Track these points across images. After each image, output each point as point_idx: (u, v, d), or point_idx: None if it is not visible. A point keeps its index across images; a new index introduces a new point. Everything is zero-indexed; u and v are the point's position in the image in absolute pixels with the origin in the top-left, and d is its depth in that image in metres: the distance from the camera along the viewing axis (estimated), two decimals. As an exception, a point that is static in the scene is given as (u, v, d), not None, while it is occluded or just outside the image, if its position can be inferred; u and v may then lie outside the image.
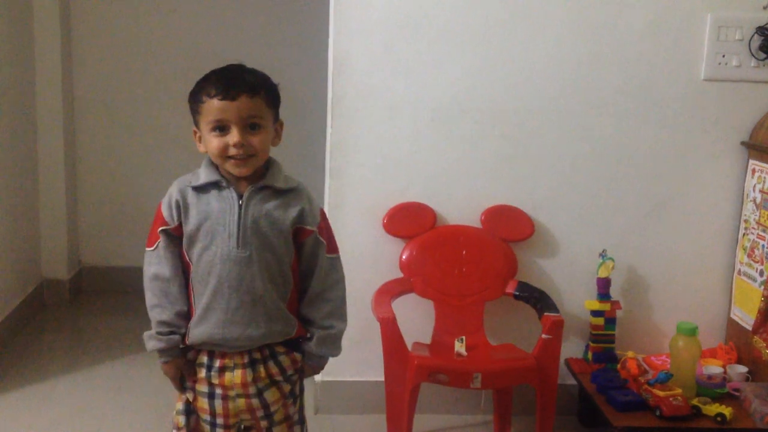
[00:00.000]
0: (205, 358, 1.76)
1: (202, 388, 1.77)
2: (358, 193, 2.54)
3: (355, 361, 2.59)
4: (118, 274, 3.76)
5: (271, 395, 1.76)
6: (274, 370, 1.76)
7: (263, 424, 1.79)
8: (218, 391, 1.76)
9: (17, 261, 3.32)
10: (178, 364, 1.77)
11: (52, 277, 3.61)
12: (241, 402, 1.76)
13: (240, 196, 1.70)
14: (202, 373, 1.76)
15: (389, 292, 2.46)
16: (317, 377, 2.61)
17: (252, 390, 1.75)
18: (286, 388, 1.79)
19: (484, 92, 2.52)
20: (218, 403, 1.76)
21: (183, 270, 1.75)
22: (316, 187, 2.60)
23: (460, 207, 2.56)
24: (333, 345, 1.80)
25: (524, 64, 2.51)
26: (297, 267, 1.77)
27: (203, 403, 1.77)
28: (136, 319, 3.41)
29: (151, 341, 1.76)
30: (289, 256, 1.74)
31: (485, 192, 2.57)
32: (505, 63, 2.51)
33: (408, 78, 2.50)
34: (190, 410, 1.79)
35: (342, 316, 1.81)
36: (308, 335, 1.78)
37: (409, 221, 2.54)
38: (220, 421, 1.78)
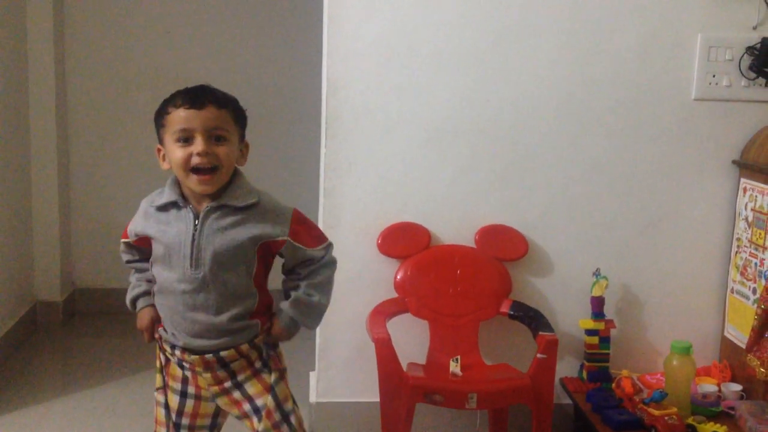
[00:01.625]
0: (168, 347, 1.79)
1: (175, 384, 1.79)
2: (352, 213, 2.55)
3: (350, 381, 2.58)
4: (112, 295, 3.74)
5: (252, 387, 1.77)
6: (254, 355, 1.77)
7: (254, 420, 1.78)
8: (191, 390, 1.78)
9: (10, 283, 3.31)
10: (153, 313, 1.81)
11: (46, 299, 3.60)
12: (223, 401, 1.77)
13: (196, 216, 1.70)
14: (175, 367, 1.79)
15: (384, 312, 2.45)
16: (312, 398, 2.60)
17: (228, 384, 1.76)
18: (267, 378, 1.78)
19: (478, 113, 2.54)
20: (189, 403, 1.79)
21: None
22: (310, 207, 2.62)
23: (454, 227, 2.57)
24: (308, 312, 1.79)
25: (517, 85, 2.53)
26: (263, 278, 1.78)
27: (173, 400, 1.80)
28: (129, 340, 3.43)
29: (135, 290, 1.85)
30: (249, 271, 1.73)
31: (479, 212, 2.57)
32: (498, 84, 2.53)
33: (401, 99, 2.51)
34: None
35: (325, 292, 1.80)
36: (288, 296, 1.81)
37: (403, 241, 2.54)
38: (185, 421, 1.80)
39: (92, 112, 3.73)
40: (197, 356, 1.74)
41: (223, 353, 1.74)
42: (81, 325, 3.67)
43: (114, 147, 3.76)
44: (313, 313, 1.80)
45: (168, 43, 3.73)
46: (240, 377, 1.77)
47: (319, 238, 1.80)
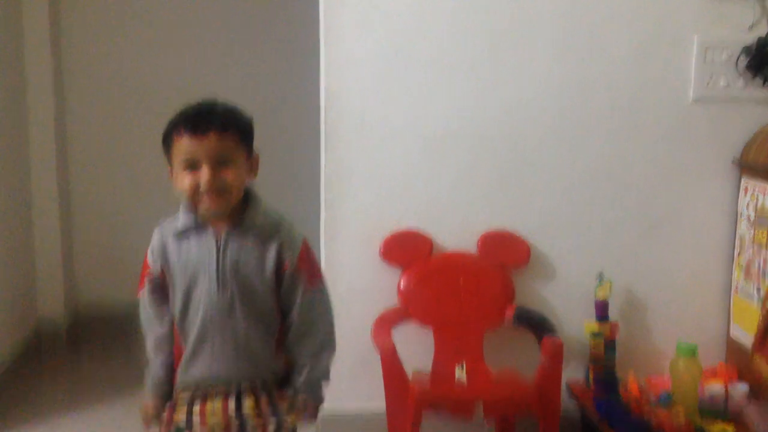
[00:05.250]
0: (188, 396, 1.76)
1: (180, 416, 1.77)
2: (353, 223, 2.55)
3: (357, 391, 2.58)
4: (115, 312, 3.74)
5: (253, 422, 1.75)
6: (264, 401, 1.75)
7: None
8: (196, 419, 1.75)
9: (14, 302, 3.31)
10: (162, 403, 1.79)
11: (49, 317, 3.60)
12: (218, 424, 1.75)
13: (218, 239, 1.71)
14: (184, 407, 1.76)
15: (388, 321, 2.45)
16: (318, 409, 2.60)
17: (233, 421, 1.74)
18: (270, 426, 1.76)
19: (476, 119, 2.54)
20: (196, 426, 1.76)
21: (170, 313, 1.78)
22: (311, 218, 2.62)
23: (456, 234, 2.57)
24: (323, 377, 1.81)
25: (515, 90, 2.53)
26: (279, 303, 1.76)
27: None
28: (133, 358, 3.41)
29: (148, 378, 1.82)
30: (272, 295, 1.73)
31: (480, 218, 2.57)
32: (496, 90, 2.53)
33: (399, 107, 2.52)
34: None
35: (331, 345, 1.80)
36: (296, 370, 1.77)
37: (405, 250, 2.54)
38: None
39: (91, 130, 3.73)
40: (219, 403, 1.73)
41: (243, 386, 1.73)
42: (84, 343, 3.67)
43: (114, 161, 3.77)
44: (326, 372, 1.81)
45: (166, 54, 3.74)
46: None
47: (316, 276, 1.78)
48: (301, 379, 1.77)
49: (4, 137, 3.25)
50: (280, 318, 1.76)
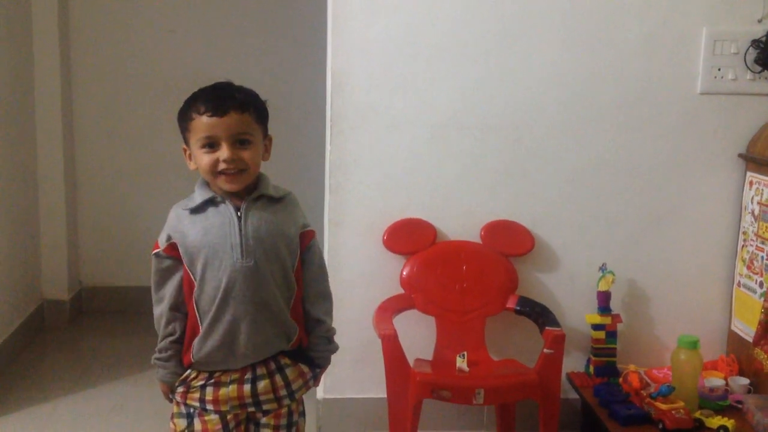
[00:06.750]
0: (202, 381, 1.76)
1: (192, 402, 1.77)
2: (357, 210, 2.55)
3: (358, 378, 2.59)
4: (119, 294, 3.76)
5: (269, 406, 1.77)
6: (280, 383, 1.77)
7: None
8: (209, 407, 1.75)
9: (17, 282, 3.32)
10: (174, 386, 1.80)
11: (53, 298, 3.61)
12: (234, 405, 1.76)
13: (237, 209, 1.72)
14: (197, 393, 1.76)
15: (390, 308, 2.46)
16: (319, 394, 2.61)
17: (249, 401, 1.75)
18: (283, 410, 1.79)
19: (483, 108, 2.54)
20: (197, 422, 1.76)
21: (182, 290, 1.77)
22: (316, 204, 2.63)
23: (460, 222, 2.57)
24: (332, 341, 1.89)
25: (522, 80, 2.53)
26: (300, 272, 1.79)
27: (180, 424, 1.77)
28: (136, 338, 3.43)
29: (156, 363, 1.81)
30: (292, 262, 1.76)
31: (485, 207, 2.57)
32: (503, 79, 2.53)
33: (406, 95, 2.51)
34: (190, 413, 1.77)
35: (330, 306, 1.90)
36: (318, 336, 1.83)
37: (409, 237, 2.54)
38: None
39: (98, 112, 3.73)
40: (234, 384, 1.74)
41: (259, 372, 1.74)
42: (88, 324, 3.68)
43: (119, 146, 3.77)
44: (332, 337, 1.88)
45: (172, 41, 3.73)
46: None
47: None
48: (328, 347, 1.85)
49: (11, 118, 3.25)
50: (296, 287, 1.77)
